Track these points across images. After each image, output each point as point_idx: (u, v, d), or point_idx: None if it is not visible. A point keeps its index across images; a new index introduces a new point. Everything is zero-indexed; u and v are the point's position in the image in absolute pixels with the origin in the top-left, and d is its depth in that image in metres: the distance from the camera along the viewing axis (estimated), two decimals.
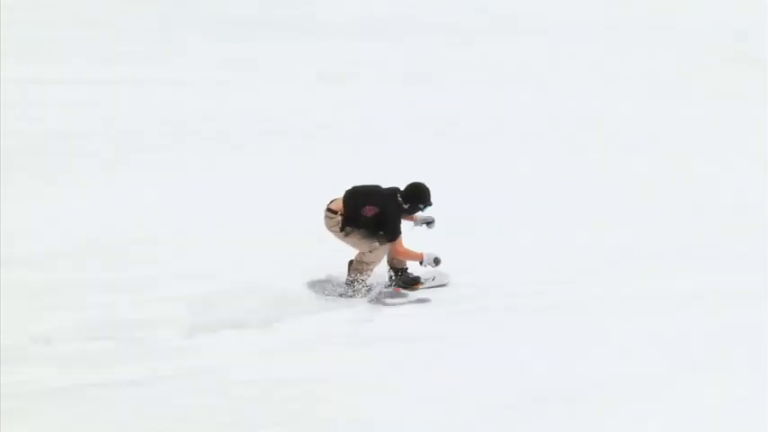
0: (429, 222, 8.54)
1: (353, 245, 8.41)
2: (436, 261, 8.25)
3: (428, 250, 8.21)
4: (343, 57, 17.00)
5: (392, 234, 8.22)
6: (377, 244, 8.23)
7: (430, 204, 8.32)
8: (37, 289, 8.04)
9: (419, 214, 8.46)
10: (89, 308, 7.77)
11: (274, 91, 15.04)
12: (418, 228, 8.48)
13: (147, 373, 6.89)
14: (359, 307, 8.14)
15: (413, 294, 8.41)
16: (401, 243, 8.33)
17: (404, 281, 8.55)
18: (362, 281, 8.44)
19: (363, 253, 8.37)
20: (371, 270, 8.44)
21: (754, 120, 13.79)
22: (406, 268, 8.66)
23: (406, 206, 8.31)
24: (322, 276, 8.55)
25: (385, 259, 8.52)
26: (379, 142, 12.70)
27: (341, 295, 8.36)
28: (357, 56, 17.12)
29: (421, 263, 8.30)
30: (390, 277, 8.60)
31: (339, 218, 8.31)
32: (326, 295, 8.35)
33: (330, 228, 8.41)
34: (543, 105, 14.51)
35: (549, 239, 9.58)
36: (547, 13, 21.12)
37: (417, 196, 8.30)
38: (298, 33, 18.62)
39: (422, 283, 8.57)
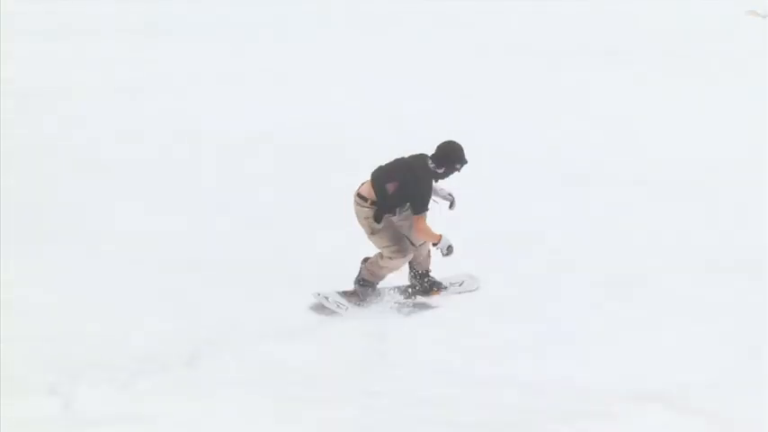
0: (450, 203, 7.91)
1: (377, 245, 7.78)
2: (449, 249, 7.69)
3: (447, 235, 7.72)
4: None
5: (420, 206, 7.52)
6: (403, 250, 7.67)
7: (466, 162, 7.64)
8: None
9: (440, 189, 7.83)
10: None
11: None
12: (438, 209, 7.85)
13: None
14: (371, 314, 7.79)
15: (434, 301, 8.04)
16: (423, 219, 7.63)
17: (423, 285, 8.06)
18: (373, 285, 7.91)
19: (382, 256, 7.81)
20: (383, 277, 7.89)
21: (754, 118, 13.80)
22: (429, 271, 8.13)
23: (440, 170, 7.61)
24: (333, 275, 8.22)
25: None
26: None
27: (342, 295, 7.91)
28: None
29: (435, 244, 7.72)
30: (410, 283, 8.09)
31: (368, 209, 7.64)
32: (350, 300, 7.89)
33: (360, 219, 7.72)
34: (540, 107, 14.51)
35: (557, 250, 9.34)
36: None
37: (452, 156, 7.57)
38: None
39: (444, 288, 8.11)
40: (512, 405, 6.55)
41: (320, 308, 7.90)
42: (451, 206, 7.97)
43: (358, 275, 8.00)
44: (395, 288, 8.12)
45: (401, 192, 7.61)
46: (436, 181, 7.71)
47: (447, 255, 7.76)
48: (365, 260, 8.01)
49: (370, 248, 7.99)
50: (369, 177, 7.78)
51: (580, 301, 8.11)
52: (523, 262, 8.92)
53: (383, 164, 7.79)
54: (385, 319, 7.80)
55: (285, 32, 18.69)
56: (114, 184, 10.99)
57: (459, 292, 8.18)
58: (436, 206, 7.91)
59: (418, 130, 12.60)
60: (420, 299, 8.11)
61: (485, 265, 8.65)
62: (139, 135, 12.90)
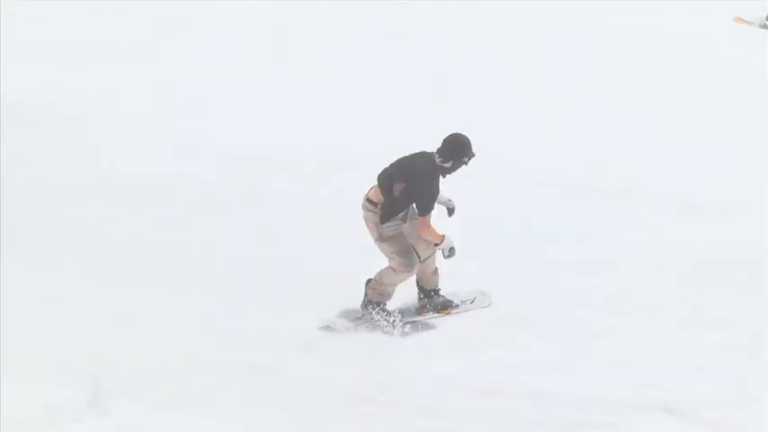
0: (450, 210, 7.71)
1: (385, 252, 7.50)
2: (451, 251, 7.50)
3: (450, 236, 7.54)
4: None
5: (426, 206, 7.26)
6: (410, 259, 7.41)
7: (474, 155, 7.41)
8: None
9: (440, 197, 7.55)
10: None
11: None
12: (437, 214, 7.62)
13: None
14: (376, 338, 7.66)
15: (446, 320, 7.91)
16: (428, 219, 7.37)
17: (433, 305, 7.91)
18: (382, 305, 7.66)
19: (385, 273, 7.56)
20: (390, 294, 7.65)
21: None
22: (439, 290, 7.93)
23: (447, 164, 7.34)
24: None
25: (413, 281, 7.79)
26: None
27: (350, 321, 7.71)
28: None
29: (437, 244, 7.49)
30: (420, 304, 7.91)
31: (373, 215, 7.40)
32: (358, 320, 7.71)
33: (369, 224, 7.46)
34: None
35: (558, 253, 9.29)
36: None
37: (459, 149, 7.32)
38: None
39: (455, 306, 7.91)
40: (513, 414, 6.57)
41: (327, 321, 7.86)
42: (450, 213, 7.82)
43: (364, 299, 7.78)
44: (404, 310, 7.95)
45: (408, 193, 7.40)
46: (444, 176, 7.46)
47: (449, 257, 7.60)
48: (368, 282, 7.78)
49: (379, 258, 7.87)
50: (376, 181, 7.61)
51: (582, 309, 8.12)
52: (524, 267, 8.90)
53: (388, 166, 7.61)
54: (392, 333, 7.71)
55: (281, 34, 18.56)
56: (119, 195, 10.86)
57: (471, 310, 8.01)
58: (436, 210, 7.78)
59: (418, 131, 12.53)
60: (431, 318, 7.95)
61: (486, 267, 8.68)
62: (142, 144, 12.79)
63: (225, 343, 7.59)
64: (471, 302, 8.06)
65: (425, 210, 7.39)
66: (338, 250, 9.07)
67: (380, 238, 7.54)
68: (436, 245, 7.56)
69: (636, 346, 7.56)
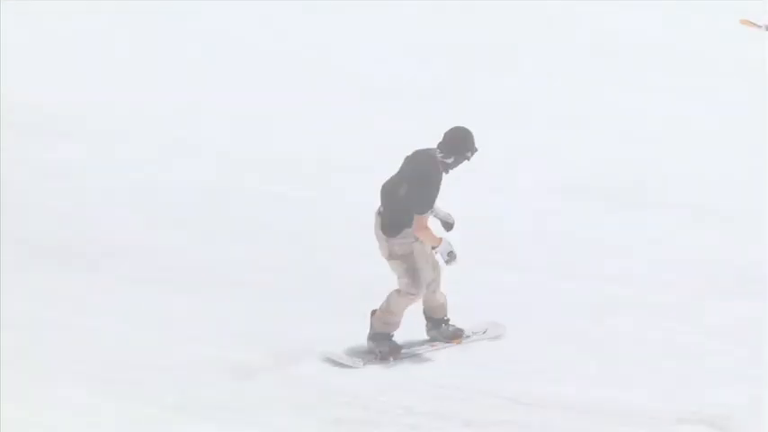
0: (449, 224, 7.34)
1: (395, 271, 7.16)
2: (450, 255, 7.10)
3: (447, 238, 7.20)
4: None
5: (425, 203, 6.93)
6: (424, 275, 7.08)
7: (476, 150, 7.08)
8: None
9: (439, 211, 7.27)
10: None
11: None
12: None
13: None
14: (379, 370, 7.40)
15: (456, 349, 7.64)
16: (426, 218, 7.02)
17: (443, 334, 7.56)
18: (389, 336, 7.29)
19: (390, 296, 7.21)
20: (397, 324, 7.27)
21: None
22: (447, 319, 7.59)
23: (449, 160, 7.01)
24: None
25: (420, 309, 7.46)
26: None
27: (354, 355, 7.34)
28: None
29: (434, 248, 7.12)
30: (429, 336, 7.58)
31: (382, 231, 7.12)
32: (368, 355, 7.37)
33: (379, 241, 7.18)
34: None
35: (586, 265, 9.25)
36: None
37: (461, 143, 7.01)
38: None
39: (466, 336, 7.57)
40: (556, 426, 6.56)
41: (332, 354, 7.57)
42: (448, 228, 7.44)
43: (370, 331, 7.40)
44: (413, 342, 7.63)
45: (409, 192, 7.06)
46: (446, 172, 7.11)
47: (448, 261, 7.22)
48: (374, 312, 7.42)
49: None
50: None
51: (582, 309, 8.11)
52: (524, 267, 8.88)
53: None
54: (403, 375, 7.45)
55: (281, 33, 18.50)
56: (120, 195, 10.83)
57: (483, 340, 7.64)
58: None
59: (419, 131, 12.49)
60: (441, 349, 7.64)
61: (486, 268, 8.66)
62: (142, 144, 12.76)
63: (225, 343, 7.59)
64: (483, 332, 7.73)
65: (422, 207, 7.05)
66: (338, 250, 9.08)
67: (390, 257, 7.26)
68: (433, 248, 7.23)
69: (635, 347, 7.56)
